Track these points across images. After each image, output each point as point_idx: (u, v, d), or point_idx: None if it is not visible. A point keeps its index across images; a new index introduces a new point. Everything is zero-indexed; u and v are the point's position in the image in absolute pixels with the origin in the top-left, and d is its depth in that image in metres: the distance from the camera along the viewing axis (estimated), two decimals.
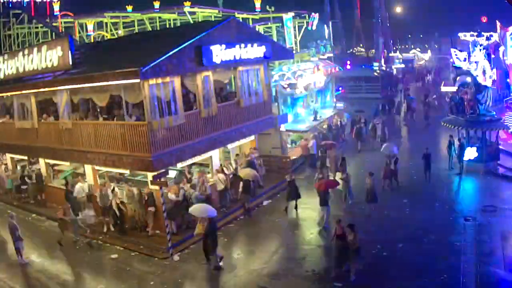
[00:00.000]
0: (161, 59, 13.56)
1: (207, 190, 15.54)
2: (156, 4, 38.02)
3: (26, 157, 20.40)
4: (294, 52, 29.21)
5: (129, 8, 37.62)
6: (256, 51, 17.27)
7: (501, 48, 27.11)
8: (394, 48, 65.13)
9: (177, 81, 14.46)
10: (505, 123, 21.43)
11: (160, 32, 27.83)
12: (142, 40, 18.58)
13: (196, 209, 13.54)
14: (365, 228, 14.34)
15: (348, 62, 45.58)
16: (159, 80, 13.72)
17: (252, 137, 18.95)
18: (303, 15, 39.09)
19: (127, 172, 16.27)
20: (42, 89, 16.98)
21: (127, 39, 24.09)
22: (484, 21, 52.19)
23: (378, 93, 41.08)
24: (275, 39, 34.40)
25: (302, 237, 14.65)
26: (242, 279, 12.05)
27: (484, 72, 19.15)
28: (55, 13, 36.09)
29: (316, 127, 22.74)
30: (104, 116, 16.44)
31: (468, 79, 19.49)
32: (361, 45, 61.39)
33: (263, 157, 19.54)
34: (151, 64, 13.19)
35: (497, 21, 27.06)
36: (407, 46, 77.21)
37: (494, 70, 21.32)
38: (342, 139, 24.69)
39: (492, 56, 21.09)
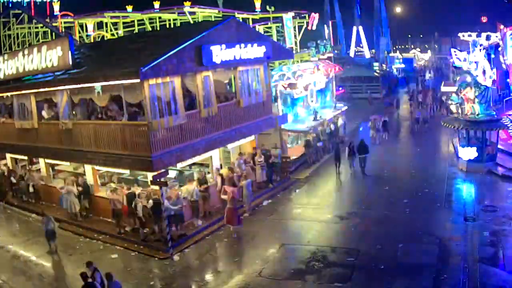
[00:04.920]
0: (161, 59, 13.55)
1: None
2: (156, 4, 37.98)
3: (26, 157, 20.43)
4: (294, 52, 29.23)
5: (129, 8, 37.58)
6: (256, 51, 17.26)
7: (501, 48, 27.17)
8: (394, 48, 65.12)
9: (177, 81, 14.45)
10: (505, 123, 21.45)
11: (160, 32, 27.81)
12: (142, 40, 18.56)
13: None
14: (366, 228, 14.39)
15: None
16: (159, 80, 13.71)
17: (252, 137, 18.96)
18: (303, 15, 39.09)
19: (127, 172, 16.31)
20: (42, 89, 16.98)
21: (127, 39, 24.08)
22: (484, 21, 52.25)
23: (378, 93, 41.21)
24: (275, 39, 34.40)
25: (302, 237, 14.63)
26: (242, 280, 12.04)
27: (484, 72, 19.15)
28: (55, 13, 36.05)
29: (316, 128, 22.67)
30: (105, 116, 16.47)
31: (468, 79, 19.50)
32: (361, 45, 61.43)
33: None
34: (151, 64, 13.19)
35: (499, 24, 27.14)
36: (407, 46, 77.20)
37: (494, 70, 21.35)
38: (340, 141, 24.55)
39: (492, 56, 21.14)
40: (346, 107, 26.89)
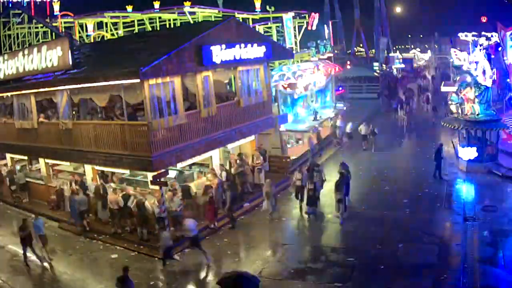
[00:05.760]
0: (161, 59, 13.55)
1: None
2: (156, 4, 37.98)
3: (26, 157, 20.42)
4: (294, 52, 29.21)
5: (129, 8, 37.61)
6: (256, 51, 17.25)
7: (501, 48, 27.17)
8: (394, 48, 65.07)
9: (177, 81, 14.46)
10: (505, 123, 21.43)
11: (160, 32, 27.82)
12: (142, 40, 18.58)
13: None
14: (366, 228, 14.40)
15: (348, 62, 45.63)
16: (159, 80, 13.71)
17: (252, 137, 18.96)
18: (303, 15, 39.07)
19: (127, 172, 16.28)
20: (42, 89, 16.97)
21: (127, 39, 24.09)
22: (484, 21, 52.21)
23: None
24: (275, 39, 34.38)
25: (302, 237, 14.65)
26: None
27: (484, 72, 19.16)
28: (55, 13, 36.08)
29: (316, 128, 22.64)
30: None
31: (468, 79, 19.49)
32: (361, 45, 61.41)
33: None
34: (151, 64, 13.19)
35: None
36: (407, 46, 77.16)
37: (494, 70, 21.33)
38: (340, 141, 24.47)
39: (492, 56, 21.13)
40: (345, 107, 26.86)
